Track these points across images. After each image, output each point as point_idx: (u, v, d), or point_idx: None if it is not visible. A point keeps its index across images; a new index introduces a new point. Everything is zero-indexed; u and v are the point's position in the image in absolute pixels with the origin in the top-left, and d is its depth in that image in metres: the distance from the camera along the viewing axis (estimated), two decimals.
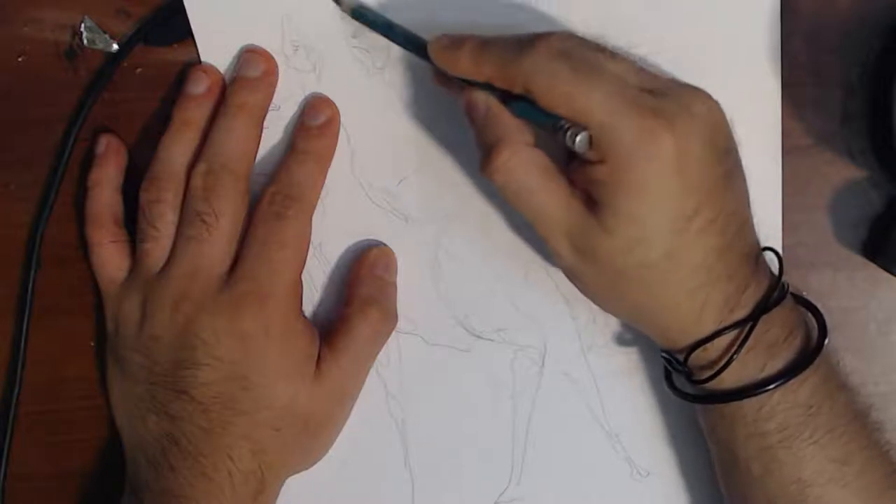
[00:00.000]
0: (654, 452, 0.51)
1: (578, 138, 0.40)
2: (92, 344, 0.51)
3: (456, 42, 0.43)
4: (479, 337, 0.51)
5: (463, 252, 0.50)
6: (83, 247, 0.50)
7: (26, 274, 0.50)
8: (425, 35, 0.45)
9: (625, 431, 0.51)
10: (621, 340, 0.50)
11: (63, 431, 0.52)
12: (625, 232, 0.41)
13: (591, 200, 0.41)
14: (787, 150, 0.49)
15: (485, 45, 0.43)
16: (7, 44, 0.50)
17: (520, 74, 0.41)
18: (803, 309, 0.45)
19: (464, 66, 0.43)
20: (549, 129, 0.41)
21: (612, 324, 0.50)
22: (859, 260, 0.50)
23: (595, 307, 0.50)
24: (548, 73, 0.40)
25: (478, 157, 0.43)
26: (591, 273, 0.43)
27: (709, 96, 0.41)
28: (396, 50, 0.49)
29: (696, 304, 0.42)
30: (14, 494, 0.51)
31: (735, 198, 0.42)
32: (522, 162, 0.41)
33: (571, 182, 0.42)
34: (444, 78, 0.45)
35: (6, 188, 0.51)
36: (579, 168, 0.42)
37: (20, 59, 0.50)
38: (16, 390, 0.50)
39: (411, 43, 0.46)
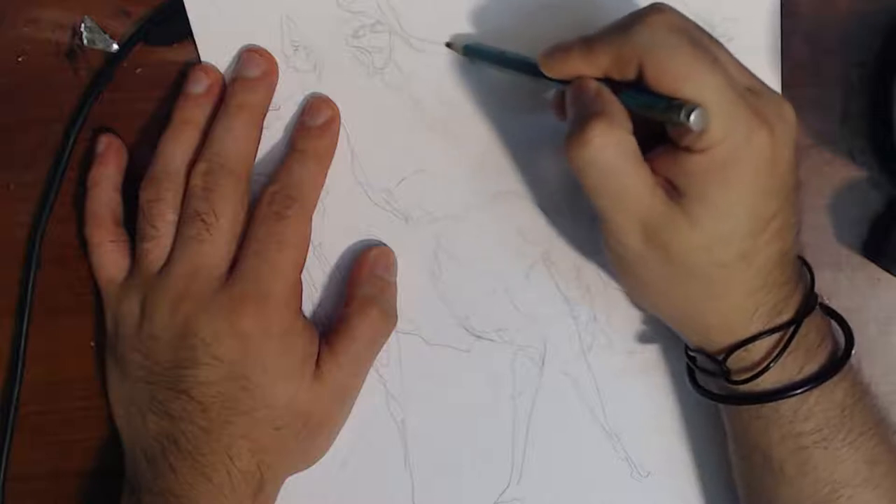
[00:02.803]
0: (654, 452, 0.51)
1: (695, 114, 0.38)
2: (92, 344, 0.51)
3: (563, 46, 0.42)
4: (479, 337, 0.51)
5: (463, 252, 0.50)
6: (83, 247, 0.50)
7: (26, 274, 0.50)
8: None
9: (625, 431, 0.51)
10: (622, 340, 0.50)
11: (63, 431, 0.52)
12: (709, 226, 0.40)
13: (674, 192, 0.41)
14: None
15: (592, 37, 0.42)
16: (7, 44, 0.50)
17: (633, 52, 0.40)
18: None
19: (576, 63, 0.42)
20: (661, 109, 0.39)
21: (612, 324, 0.50)
22: (859, 260, 0.50)
23: (597, 306, 0.50)
24: (665, 47, 0.39)
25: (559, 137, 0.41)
26: (654, 267, 0.42)
27: (790, 105, 0.41)
28: (397, 50, 0.49)
29: (751, 305, 0.42)
30: (14, 494, 0.51)
31: (798, 207, 0.43)
32: (616, 140, 0.39)
33: (654, 172, 0.41)
34: (562, 105, 0.44)
35: (6, 188, 0.51)
36: (666, 157, 0.41)
37: (20, 60, 0.50)
38: (16, 390, 0.50)
39: (524, 65, 0.45)
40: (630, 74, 0.40)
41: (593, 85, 0.41)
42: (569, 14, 0.48)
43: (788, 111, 0.41)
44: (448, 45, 0.48)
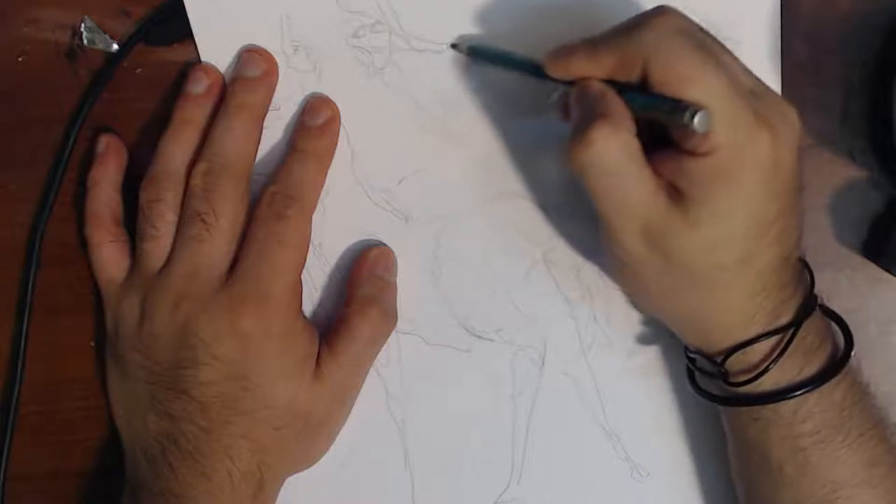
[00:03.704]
0: (654, 452, 0.51)
1: (699, 116, 0.38)
2: (92, 344, 0.51)
3: (567, 47, 0.42)
4: (479, 337, 0.51)
5: (463, 252, 0.50)
6: (83, 247, 0.50)
7: (26, 274, 0.50)
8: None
9: (625, 432, 0.51)
10: (622, 341, 0.50)
11: (63, 431, 0.52)
12: (711, 229, 0.40)
13: (675, 194, 0.40)
14: None
15: (597, 39, 0.42)
16: (7, 44, 0.50)
17: (638, 53, 0.40)
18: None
19: (581, 65, 0.42)
20: (665, 111, 0.39)
21: (612, 324, 0.50)
22: (859, 260, 0.50)
23: (597, 306, 0.50)
24: (670, 49, 0.39)
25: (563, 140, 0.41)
26: (655, 269, 0.42)
27: (794, 109, 0.41)
28: (397, 50, 0.49)
29: (751, 308, 0.42)
30: (14, 494, 0.51)
31: (801, 210, 0.43)
32: (619, 142, 0.39)
33: (656, 174, 0.41)
34: (568, 110, 0.44)
35: (6, 188, 0.51)
36: (668, 160, 0.41)
37: (20, 59, 0.50)
38: (16, 390, 0.50)
39: (528, 66, 0.45)
40: (634, 76, 0.40)
41: (597, 86, 0.41)
42: (570, 15, 0.48)
43: (792, 114, 0.41)
44: (453, 45, 0.48)
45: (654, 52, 0.39)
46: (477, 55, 0.48)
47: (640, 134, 0.40)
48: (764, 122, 0.39)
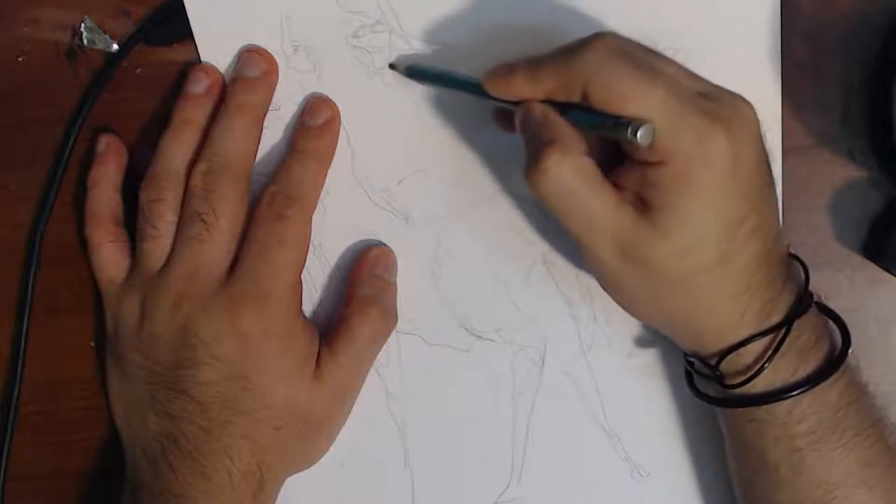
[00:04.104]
0: (654, 452, 0.51)
1: (641, 131, 0.38)
2: (92, 344, 0.51)
3: (507, 67, 0.43)
4: (479, 337, 0.51)
5: (463, 252, 0.50)
6: (83, 247, 0.50)
7: (26, 274, 0.50)
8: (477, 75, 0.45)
9: (625, 432, 0.51)
10: (622, 341, 0.50)
11: (63, 431, 0.52)
12: (680, 236, 0.40)
13: (642, 205, 0.41)
14: (787, 150, 0.49)
15: (536, 60, 0.42)
16: (7, 44, 0.50)
17: (578, 75, 0.40)
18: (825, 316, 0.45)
19: (520, 86, 0.42)
20: (608, 128, 0.40)
21: (612, 324, 0.50)
22: (859, 260, 0.50)
23: (597, 306, 0.50)
24: (608, 70, 0.40)
25: (520, 162, 0.41)
26: (635, 280, 0.42)
27: (751, 104, 0.41)
28: (397, 50, 0.49)
29: (738, 309, 0.42)
30: (14, 494, 0.51)
31: (773, 205, 0.43)
32: (572, 166, 0.40)
33: (618, 188, 0.41)
34: (503, 117, 0.45)
35: (6, 188, 0.51)
36: (630, 172, 0.41)
37: (20, 59, 0.50)
38: (16, 390, 0.50)
39: (468, 85, 0.45)
40: (575, 97, 0.41)
41: (539, 110, 0.42)
42: (571, 15, 0.48)
43: (748, 110, 0.41)
44: (391, 66, 0.49)
45: (593, 74, 0.40)
46: (416, 75, 0.48)
47: (601, 150, 0.41)
48: (716, 121, 0.39)
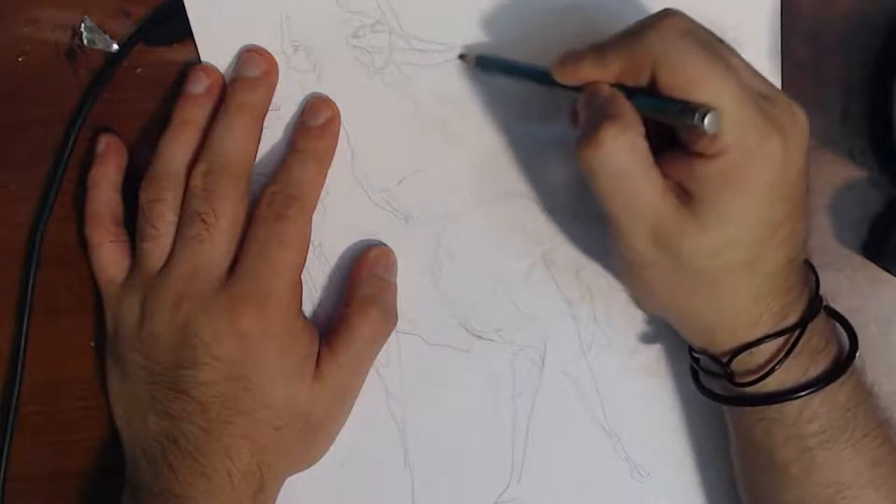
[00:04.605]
0: (654, 452, 0.51)
1: (709, 117, 0.38)
2: (92, 344, 0.51)
3: (575, 53, 0.42)
4: (479, 337, 0.51)
5: (463, 252, 0.50)
6: (83, 247, 0.50)
7: (26, 274, 0.50)
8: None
9: (625, 431, 0.51)
10: (622, 341, 0.50)
11: (63, 431, 0.52)
12: (719, 231, 0.40)
13: (685, 196, 0.40)
14: None
15: (604, 43, 0.42)
16: (7, 44, 0.50)
17: (647, 56, 0.40)
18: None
19: (589, 70, 0.42)
20: (675, 113, 0.39)
21: (612, 324, 0.50)
22: (859, 260, 0.50)
23: (597, 306, 0.50)
24: (678, 51, 0.39)
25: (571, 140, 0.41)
26: (661, 270, 0.42)
27: (804, 112, 0.41)
28: (397, 50, 0.49)
29: (757, 311, 0.42)
30: (14, 494, 0.51)
31: (806, 213, 0.43)
32: (628, 143, 0.39)
33: (665, 176, 0.41)
34: (577, 116, 0.44)
35: (6, 188, 0.51)
36: (678, 161, 0.41)
37: (20, 59, 0.50)
38: (16, 390, 0.50)
39: (536, 73, 0.45)
40: (643, 80, 0.40)
41: (606, 89, 0.41)
42: (572, 14, 0.48)
43: (801, 117, 0.41)
44: (461, 56, 0.48)
45: (661, 55, 0.39)
46: (485, 65, 0.48)
47: (649, 136, 0.40)
48: (774, 124, 0.39)
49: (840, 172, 0.49)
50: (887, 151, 0.48)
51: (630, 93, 0.41)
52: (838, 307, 0.46)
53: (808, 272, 0.45)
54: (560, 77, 0.43)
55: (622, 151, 0.39)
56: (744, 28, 0.48)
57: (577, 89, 0.43)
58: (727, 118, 0.38)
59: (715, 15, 0.47)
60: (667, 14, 0.41)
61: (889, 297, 0.50)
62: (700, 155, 0.40)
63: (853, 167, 0.49)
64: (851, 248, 0.50)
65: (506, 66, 0.47)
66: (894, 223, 0.48)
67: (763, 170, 0.39)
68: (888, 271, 0.49)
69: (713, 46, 0.40)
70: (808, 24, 0.48)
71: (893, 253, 0.48)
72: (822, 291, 0.45)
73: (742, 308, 0.43)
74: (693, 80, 0.39)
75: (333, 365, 0.48)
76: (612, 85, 0.41)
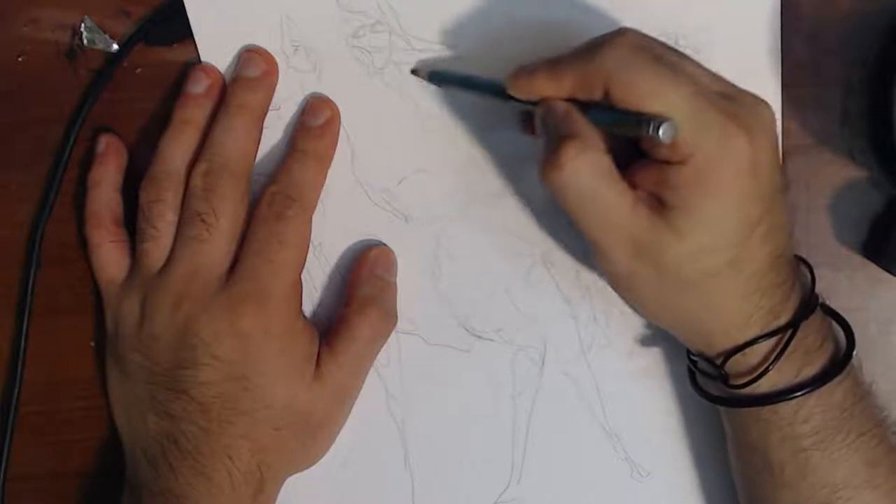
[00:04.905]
0: (654, 452, 0.51)
1: (664, 127, 0.38)
2: (92, 344, 0.51)
3: (529, 68, 0.43)
4: (479, 337, 0.51)
5: (463, 252, 0.50)
6: (83, 247, 0.50)
7: (26, 274, 0.50)
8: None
9: (625, 431, 0.51)
10: (622, 341, 0.50)
11: (63, 431, 0.52)
12: (696, 237, 0.40)
13: (658, 205, 0.41)
14: (787, 150, 0.49)
15: (558, 59, 0.42)
16: (7, 44, 0.50)
17: (600, 73, 0.40)
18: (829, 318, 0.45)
19: (542, 84, 0.42)
20: (630, 125, 0.39)
21: (612, 324, 0.50)
22: (859, 260, 0.50)
23: (597, 306, 0.50)
24: (631, 67, 0.40)
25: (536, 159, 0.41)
26: (646, 280, 0.42)
27: (769, 106, 0.41)
28: (397, 50, 0.49)
29: (747, 310, 0.42)
30: (14, 494, 0.51)
31: (785, 208, 0.43)
32: (589, 161, 0.40)
33: (634, 187, 0.41)
34: (529, 123, 0.44)
35: (6, 188, 0.51)
36: (647, 172, 0.41)
37: (20, 59, 0.50)
38: (16, 390, 0.50)
39: (490, 87, 0.45)
40: (597, 95, 0.41)
41: (562, 106, 0.41)
42: (572, 14, 0.48)
43: (766, 112, 0.41)
44: (413, 72, 0.49)
45: (615, 70, 0.40)
46: (439, 80, 0.48)
47: (616, 149, 0.41)
48: (737, 122, 0.39)
49: (840, 172, 0.49)
50: (887, 151, 0.48)
51: (585, 107, 0.41)
52: (838, 307, 0.45)
53: (800, 269, 0.45)
54: (514, 91, 0.43)
55: (584, 170, 0.40)
56: (743, 28, 0.48)
57: (531, 103, 0.43)
58: (683, 124, 0.39)
59: (715, 15, 0.47)
60: (620, 31, 0.41)
61: (889, 297, 0.50)
62: (667, 163, 0.40)
63: (853, 167, 0.49)
64: (851, 248, 0.50)
65: (461, 81, 0.47)
66: (894, 223, 0.48)
67: (731, 170, 0.39)
68: (888, 271, 0.49)
69: (665, 57, 0.40)
70: (808, 24, 0.48)
71: (893, 253, 0.48)
72: (821, 291, 0.45)
73: (731, 308, 0.42)
74: (645, 93, 0.39)
75: (333, 365, 0.48)
76: (567, 100, 0.42)
